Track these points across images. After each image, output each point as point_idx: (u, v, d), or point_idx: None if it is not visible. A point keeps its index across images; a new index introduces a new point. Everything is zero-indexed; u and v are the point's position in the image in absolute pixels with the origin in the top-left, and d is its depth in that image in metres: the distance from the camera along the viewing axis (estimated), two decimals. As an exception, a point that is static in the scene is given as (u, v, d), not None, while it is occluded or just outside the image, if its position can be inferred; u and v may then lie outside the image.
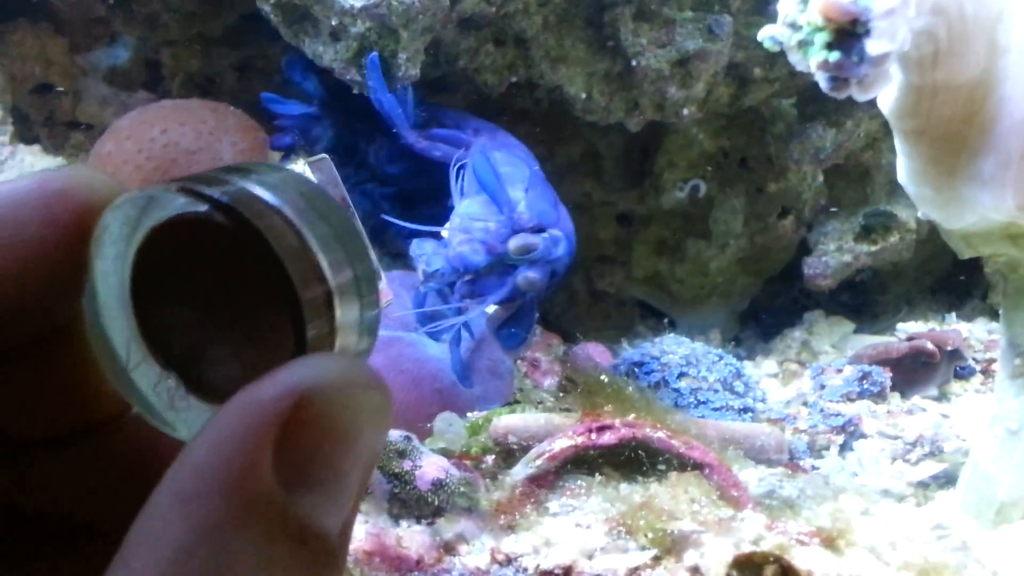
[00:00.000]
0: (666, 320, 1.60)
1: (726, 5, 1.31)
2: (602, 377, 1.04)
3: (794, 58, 0.80)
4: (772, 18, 1.35)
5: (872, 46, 0.75)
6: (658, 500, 0.91)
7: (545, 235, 1.15)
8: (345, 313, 0.26)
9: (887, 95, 0.86)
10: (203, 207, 0.24)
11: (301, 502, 0.23)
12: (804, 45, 0.79)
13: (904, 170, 0.88)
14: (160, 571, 0.22)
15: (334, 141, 1.34)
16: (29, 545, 0.28)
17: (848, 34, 0.76)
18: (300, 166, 0.30)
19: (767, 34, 0.81)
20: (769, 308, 1.72)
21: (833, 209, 1.57)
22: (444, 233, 1.14)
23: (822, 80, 0.79)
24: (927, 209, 0.89)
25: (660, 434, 0.95)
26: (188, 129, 1.24)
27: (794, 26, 0.80)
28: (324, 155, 0.32)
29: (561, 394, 1.26)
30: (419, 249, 1.12)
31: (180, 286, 0.26)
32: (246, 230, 0.24)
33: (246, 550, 0.22)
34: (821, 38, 0.77)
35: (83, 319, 0.27)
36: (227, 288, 0.25)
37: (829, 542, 0.84)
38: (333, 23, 1.13)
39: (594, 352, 1.36)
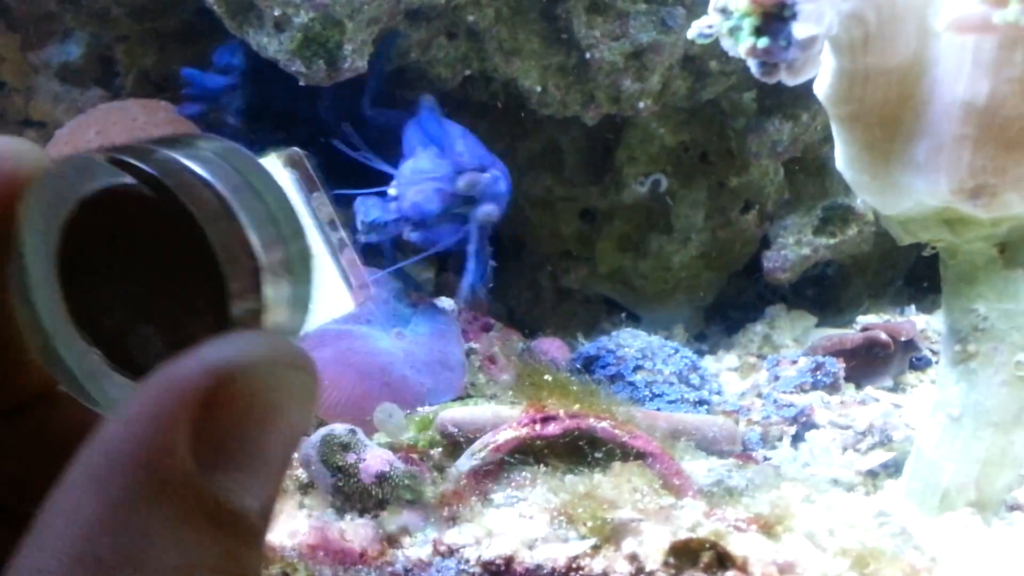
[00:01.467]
0: (623, 315, 1.59)
1: (679, -3, 1.31)
2: (544, 371, 1.03)
3: (726, 44, 0.80)
4: (726, 10, 1.35)
5: (798, 30, 0.75)
6: (601, 490, 0.91)
7: (487, 174, 1.26)
8: (274, 292, 0.25)
9: (821, 81, 0.86)
10: (129, 179, 0.24)
11: (219, 481, 0.23)
12: (735, 31, 0.79)
13: (841, 156, 0.88)
14: (71, 549, 0.21)
15: (246, 108, 1.36)
16: None
17: (776, 18, 0.76)
18: (271, 159, 0.30)
19: (696, 29, 0.80)
20: (734, 303, 1.72)
21: (785, 198, 1.57)
22: (391, 191, 1.21)
23: (753, 66, 0.79)
24: (864, 195, 0.89)
25: (604, 424, 0.95)
26: (120, 128, 1.25)
27: (725, 12, 0.79)
28: (297, 149, 0.32)
29: (513, 389, 1.26)
30: (363, 206, 1.18)
31: (108, 259, 0.25)
32: (174, 203, 0.24)
33: (159, 529, 0.22)
34: (749, 23, 0.77)
35: (8, 292, 0.26)
36: (154, 263, 0.25)
37: (767, 528, 0.84)
38: (276, 13, 1.13)
39: (551, 347, 1.35)
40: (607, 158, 1.59)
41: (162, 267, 0.25)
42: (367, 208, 1.22)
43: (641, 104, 1.35)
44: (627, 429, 0.95)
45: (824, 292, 1.69)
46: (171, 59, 1.47)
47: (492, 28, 1.30)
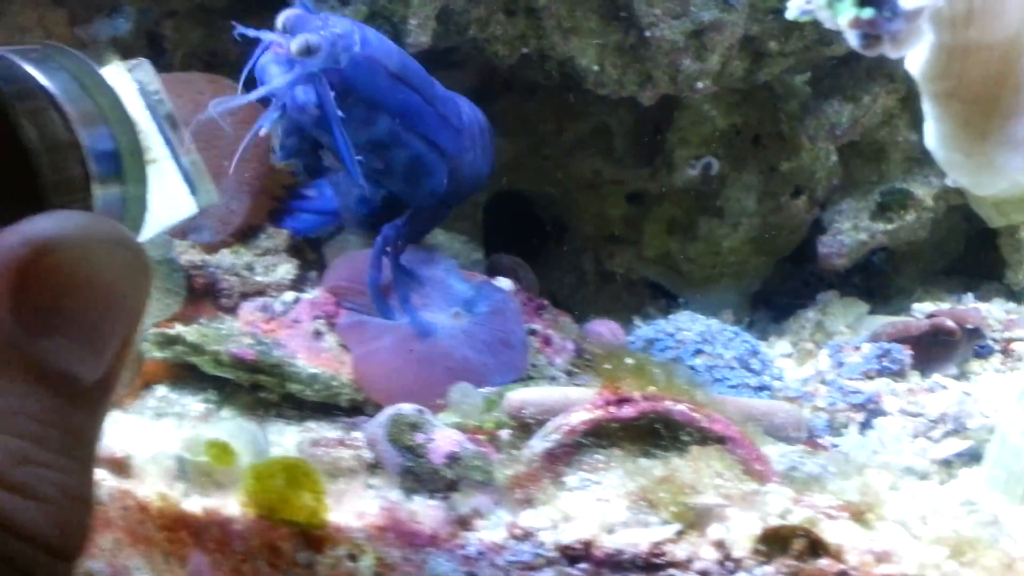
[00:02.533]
0: (680, 300, 1.57)
1: (742, -25, 1.29)
2: (624, 354, 1.01)
3: (823, 16, 0.78)
4: (789, -11, 1.33)
5: (906, 0, 0.73)
6: (680, 474, 0.89)
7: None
8: (102, 190, 0.27)
9: (917, 56, 0.84)
10: None
11: (44, 344, 0.24)
12: (834, 2, 0.77)
13: (933, 134, 0.86)
14: None
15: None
16: None
17: (882, -11, 0.74)
18: (115, 68, 0.31)
19: (795, 8, 0.78)
20: (781, 289, 1.70)
21: (836, 183, 1.54)
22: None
23: (853, 38, 0.77)
24: (957, 175, 0.86)
25: (681, 407, 0.93)
26: (186, 101, 1.22)
27: (824, -17, 0.77)
28: (143, 59, 0.33)
29: (575, 370, 1.24)
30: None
31: None
32: (9, 105, 0.25)
33: None
34: (853, -7, 0.74)
35: None
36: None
37: (858, 516, 0.82)
38: (343, -13, 1.11)
39: (606, 330, 1.33)
40: (656, 140, 1.57)
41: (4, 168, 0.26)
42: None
43: (700, 84, 1.33)
44: (705, 412, 0.93)
45: (872, 279, 1.67)
46: (218, 35, 1.45)
47: (551, 6, 1.28)
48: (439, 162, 1.20)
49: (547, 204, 1.73)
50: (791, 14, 0.78)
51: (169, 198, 0.32)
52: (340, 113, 1.04)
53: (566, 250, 1.74)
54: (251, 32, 1.04)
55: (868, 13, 0.73)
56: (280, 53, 1.05)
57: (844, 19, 0.75)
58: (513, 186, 1.61)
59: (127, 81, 0.32)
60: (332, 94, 1.04)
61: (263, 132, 1.05)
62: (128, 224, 0.28)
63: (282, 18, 1.05)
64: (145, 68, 0.33)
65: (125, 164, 0.28)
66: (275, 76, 1.04)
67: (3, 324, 0.24)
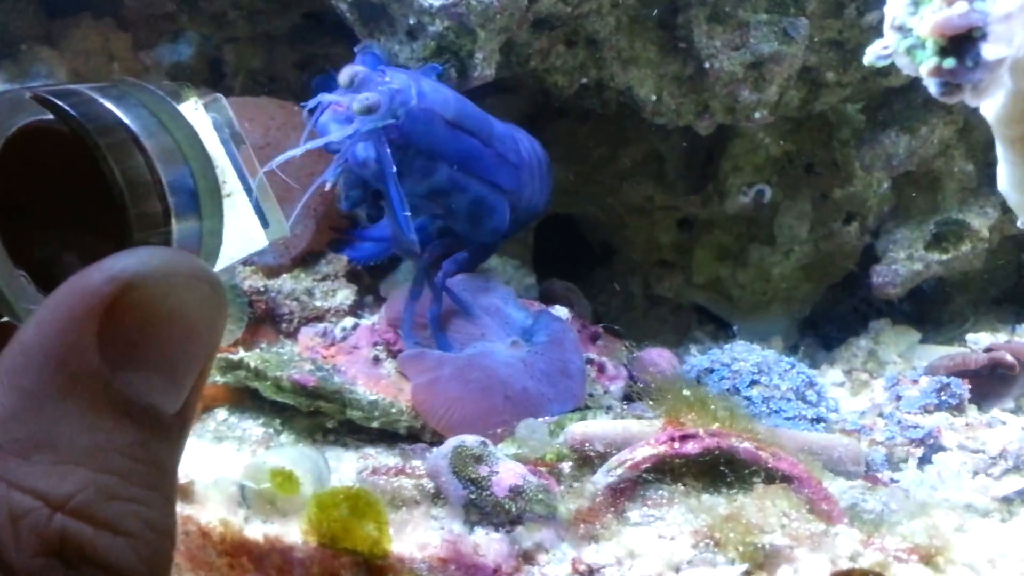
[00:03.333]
0: (734, 328, 1.57)
1: (801, 7, 1.29)
2: (682, 385, 1.01)
3: (901, 62, 0.78)
4: (848, 21, 1.33)
5: (989, 51, 0.73)
6: (746, 512, 0.89)
7: (386, 77, 1.08)
8: (180, 225, 0.28)
9: (993, 101, 0.84)
10: (48, 116, 0.26)
11: (127, 378, 0.25)
12: (914, 50, 0.77)
13: (1007, 178, 0.86)
14: None
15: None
16: None
17: (962, 38, 0.74)
18: (192, 104, 0.32)
19: (872, 54, 0.78)
20: (829, 316, 1.70)
21: (887, 210, 1.54)
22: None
23: (932, 86, 0.77)
24: (1030, 218, 0.86)
25: (747, 444, 0.93)
26: (256, 125, 1.24)
27: (903, 30, 0.77)
28: (218, 95, 0.34)
29: (629, 399, 1.24)
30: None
31: (36, 191, 0.28)
32: (82, 134, 0.26)
33: (70, 417, 0.25)
34: (933, 42, 0.74)
35: None
36: (77, 195, 0.27)
37: (927, 559, 0.82)
38: (411, 22, 1.12)
39: (658, 358, 1.33)
40: (708, 167, 1.57)
41: (82, 200, 0.27)
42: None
43: (757, 115, 1.33)
44: (771, 451, 0.93)
45: (922, 305, 1.67)
46: (278, 61, 1.47)
47: (612, 37, 1.28)
48: (500, 201, 1.22)
49: (596, 227, 1.74)
50: (869, 59, 0.78)
51: (242, 231, 0.33)
52: (397, 168, 1.07)
53: (614, 273, 1.75)
54: (313, 102, 1.06)
55: (950, 63, 0.73)
56: (340, 111, 1.07)
57: (925, 68, 0.75)
58: (564, 210, 1.62)
59: (203, 116, 0.32)
60: (389, 150, 1.06)
61: (327, 187, 1.07)
62: (204, 257, 0.29)
63: (344, 76, 1.07)
64: (220, 103, 0.34)
65: (203, 200, 0.29)
66: (333, 130, 1.06)
67: (91, 360, 0.25)
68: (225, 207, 0.31)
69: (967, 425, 1.17)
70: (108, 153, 0.26)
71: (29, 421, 0.24)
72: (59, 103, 0.26)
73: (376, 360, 1.20)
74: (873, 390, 1.32)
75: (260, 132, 1.23)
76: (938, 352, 1.43)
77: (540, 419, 1.12)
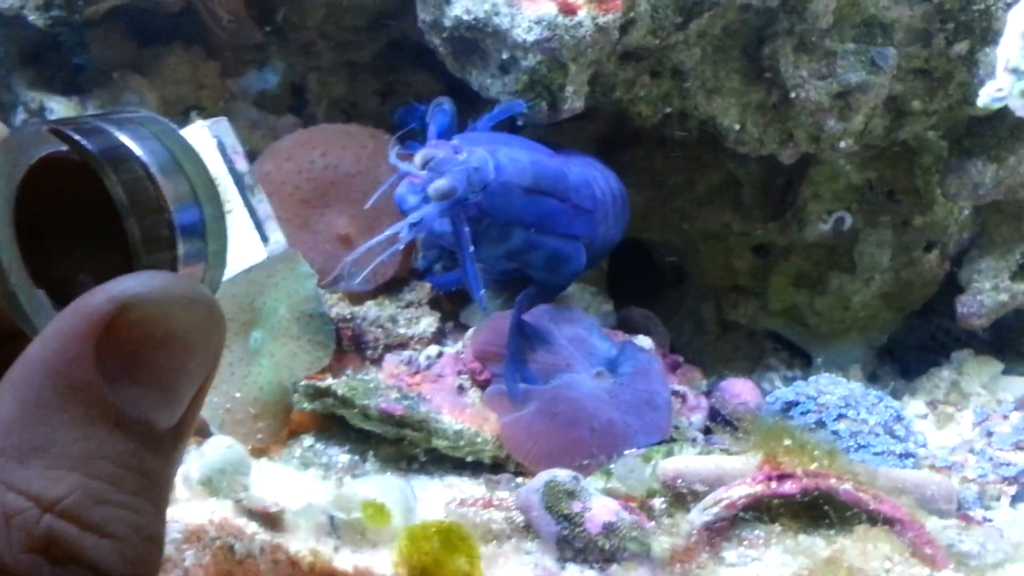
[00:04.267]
0: (819, 360, 1.55)
1: (889, 37, 1.28)
2: (781, 431, 1.00)
3: (1016, 104, 0.77)
4: (936, 50, 1.32)
5: (1110, 96, 0.72)
6: (847, 555, 0.88)
7: (460, 156, 1.10)
8: (186, 248, 0.30)
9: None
10: (64, 148, 0.29)
11: (123, 393, 0.27)
12: (1028, 92, 0.76)
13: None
14: None
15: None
16: None
17: (1083, 83, 0.73)
18: (197, 127, 0.36)
19: (987, 96, 0.77)
20: (907, 344, 1.68)
21: (967, 236, 1.52)
22: None
23: (1047, 128, 0.76)
24: None
25: (847, 486, 0.92)
26: (348, 152, 1.25)
27: (1017, 72, 0.77)
28: (222, 118, 0.37)
29: (707, 435, 1.23)
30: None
31: (55, 215, 0.30)
32: (96, 164, 0.28)
33: (66, 426, 0.26)
34: (1052, 87, 0.74)
35: None
36: (92, 221, 0.29)
37: (1037, 608, 0.81)
38: (504, 56, 1.13)
39: (742, 389, 1.33)
40: (786, 194, 1.56)
41: (96, 225, 0.29)
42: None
43: (842, 144, 1.32)
44: (872, 493, 0.92)
45: (1002, 335, 1.64)
46: (359, 88, 1.49)
47: (697, 67, 1.28)
48: (577, 248, 1.24)
49: (669, 252, 1.73)
50: (982, 101, 0.78)
51: (242, 245, 0.36)
52: (474, 236, 1.10)
53: (687, 298, 1.74)
54: (399, 165, 1.10)
55: (1069, 108, 0.72)
56: (416, 183, 1.09)
57: (1041, 112, 0.74)
58: (638, 235, 1.61)
59: (207, 137, 0.36)
60: (466, 228, 1.10)
61: (400, 247, 1.12)
62: (209, 277, 0.31)
63: (420, 159, 1.09)
64: (223, 125, 0.37)
65: (208, 226, 0.31)
66: (410, 202, 1.09)
67: (88, 373, 0.26)
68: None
69: (1061, 463, 1.15)
70: (119, 181, 0.29)
71: (27, 428, 0.26)
72: (77, 137, 0.29)
73: (460, 389, 1.21)
74: (959, 423, 1.30)
75: (352, 159, 1.25)
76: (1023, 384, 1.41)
77: (627, 452, 1.12)
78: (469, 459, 1.16)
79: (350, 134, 1.28)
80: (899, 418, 1.23)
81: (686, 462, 1.03)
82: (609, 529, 0.97)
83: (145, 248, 0.29)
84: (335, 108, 1.48)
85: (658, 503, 1.03)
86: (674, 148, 1.53)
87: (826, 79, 1.27)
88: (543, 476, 1.01)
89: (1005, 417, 1.22)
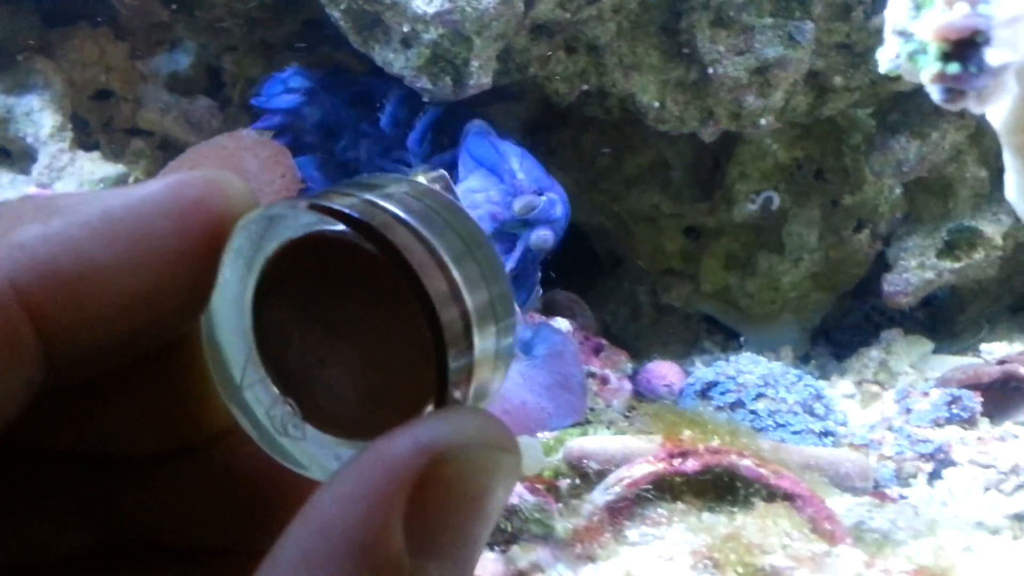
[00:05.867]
0: (742, 339, 1.54)
1: (807, 11, 1.26)
2: (672, 408, 0.99)
3: (905, 68, 0.75)
4: (856, 24, 1.30)
5: (993, 56, 0.70)
6: (746, 532, 0.86)
7: (544, 197, 1.17)
8: (483, 339, 0.23)
9: (999, 108, 0.81)
10: (337, 225, 0.23)
11: (427, 569, 0.21)
12: (915, 55, 0.74)
13: (1015, 186, 0.83)
14: None
15: (322, 120, 1.37)
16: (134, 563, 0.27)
17: (966, 43, 0.71)
18: (418, 180, 0.27)
19: (886, 62, 0.75)
20: (840, 325, 1.67)
21: (899, 217, 1.51)
22: None
23: (935, 93, 0.74)
24: (1039, 228, 0.83)
25: (747, 462, 0.91)
26: (211, 159, 1.25)
27: (904, 34, 0.75)
28: (442, 170, 0.29)
29: (632, 413, 1.22)
30: None
31: (304, 307, 0.24)
32: (378, 247, 0.22)
33: None
34: (936, 48, 0.72)
35: (198, 333, 0.25)
36: (353, 311, 0.23)
37: (933, 582, 0.79)
38: (405, 30, 1.10)
39: (667, 371, 1.31)
40: (715, 174, 1.54)
41: (359, 316, 0.23)
42: None
43: (763, 121, 1.30)
44: (772, 468, 0.91)
45: (935, 314, 1.63)
46: (277, 69, 1.45)
47: (613, 42, 1.26)
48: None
49: (602, 236, 1.71)
50: (884, 68, 0.76)
51: None
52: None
53: (621, 282, 1.72)
54: (494, 208, 1.18)
55: (954, 68, 0.71)
56: (497, 217, 1.16)
57: (927, 74, 0.72)
58: (572, 219, 1.59)
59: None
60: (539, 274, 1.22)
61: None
62: (499, 378, 0.25)
63: (522, 208, 1.16)
64: (445, 181, 0.29)
65: (496, 309, 0.24)
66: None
67: (396, 550, 0.21)
68: None
69: (979, 439, 1.14)
70: (415, 268, 0.22)
71: None
72: (353, 213, 0.23)
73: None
74: (884, 402, 1.28)
75: (216, 163, 1.24)
76: (951, 363, 1.40)
77: (540, 434, 1.10)
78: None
79: (212, 144, 1.31)
80: (819, 397, 1.22)
81: (592, 442, 1.01)
82: (511, 511, 0.95)
83: (444, 351, 0.23)
84: (252, 91, 1.44)
85: (564, 484, 1.00)
86: (601, 129, 1.51)
87: (744, 54, 1.25)
88: (446, 458, 0.99)
89: (925, 395, 1.20)
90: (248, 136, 1.33)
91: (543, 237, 1.16)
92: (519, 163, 1.20)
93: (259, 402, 0.24)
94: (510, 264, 1.16)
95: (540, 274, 1.29)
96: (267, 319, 0.24)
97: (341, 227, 0.22)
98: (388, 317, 0.23)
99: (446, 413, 0.22)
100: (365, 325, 0.23)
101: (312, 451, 0.24)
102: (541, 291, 1.39)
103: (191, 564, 0.27)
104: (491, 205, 1.16)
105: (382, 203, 0.23)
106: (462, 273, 0.23)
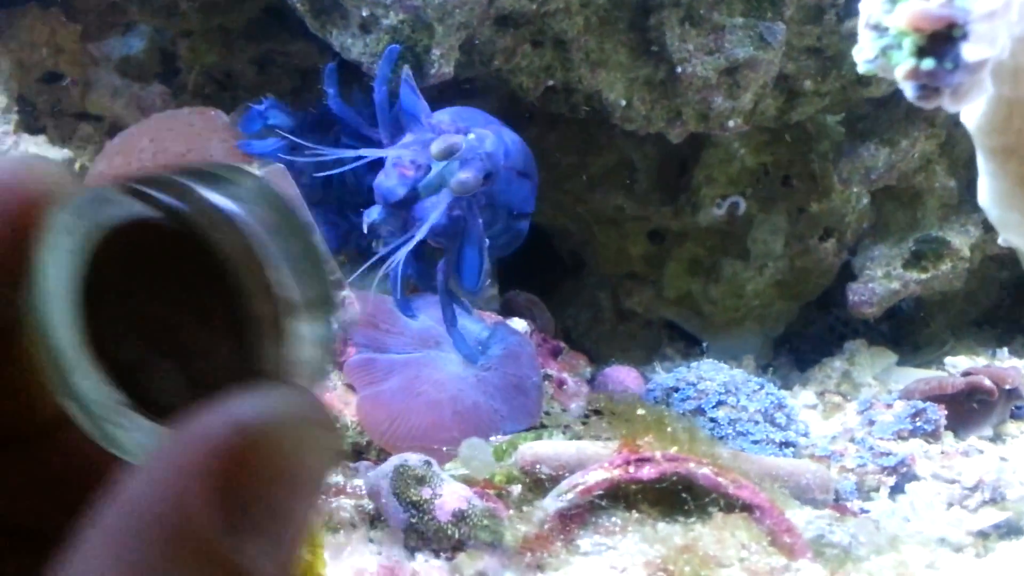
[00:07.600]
0: (704, 345, 1.51)
1: (779, 12, 1.23)
2: (638, 406, 0.96)
3: (879, 64, 0.72)
4: (827, 27, 1.28)
5: (969, 51, 0.67)
6: (702, 543, 0.83)
7: (471, 136, 1.05)
8: (300, 332, 0.24)
9: (973, 109, 0.78)
10: (155, 213, 0.23)
11: (242, 546, 0.21)
12: (889, 50, 0.71)
13: (988, 191, 0.80)
14: None
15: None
16: None
17: (942, 38, 0.68)
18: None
19: (863, 62, 0.72)
20: (804, 335, 1.64)
21: (866, 226, 1.49)
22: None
23: (909, 89, 0.71)
24: (1012, 235, 0.81)
25: (706, 470, 0.87)
26: (176, 133, 1.19)
27: (878, 29, 0.72)
28: (279, 164, 0.29)
29: (590, 418, 1.18)
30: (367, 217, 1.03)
31: (130, 294, 0.24)
32: (199, 240, 0.23)
33: None
34: (911, 42, 0.69)
35: (22, 321, 0.24)
36: (178, 299, 0.24)
37: (895, 600, 0.76)
38: (364, 14, 1.06)
39: (625, 376, 1.28)
40: (681, 177, 1.52)
41: (184, 305, 0.24)
42: (368, 213, 1.03)
43: (731, 123, 1.27)
44: (731, 477, 0.87)
45: (901, 326, 1.61)
46: (235, 57, 1.41)
47: (580, 37, 1.22)
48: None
49: (564, 238, 1.68)
50: (861, 68, 0.73)
51: None
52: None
53: (583, 286, 1.69)
54: (389, 153, 1.03)
55: (928, 64, 0.68)
56: (408, 176, 1.02)
57: (901, 69, 0.69)
58: (534, 220, 1.56)
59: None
60: (480, 220, 1.06)
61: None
62: (321, 365, 0.25)
63: (441, 150, 1.01)
64: (281, 173, 0.30)
65: (320, 303, 0.25)
66: (399, 194, 1.01)
67: (208, 527, 0.21)
68: None
69: (942, 453, 1.11)
70: (230, 254, 0.23)
71: None
72: (172, 201, 0.24)
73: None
74: (846, 413, 1.26)
75: (181, 140, 1.19)
76: (915, 375, 1.38)
77: (492, 437, 1.06)
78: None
79: (176, 116, 1.23)
80: (781, 406, 1.19)
81: (545, 447, 0.98)
82: (459, 517, 0.91)
83: (261, 330, 0.23)
84: (208, 77, 1.40)
85: (516, 490, 0.97)
86: (567, 127, 1.48)
87: (713, 54, 1.22)
88: (394, 460, 0.95)
89: (888, 406, 1.18)
90: (219, 118, 1.27)
91: (462, 181, 1.00)
92: (444, 111, 1.09)
93: (87, 389, 0.24)
94: (432, 220, 1.01)
95: (487, 260, 1.15)
96: (93, 304, 0.24)
97: (158, 214, 0.23)
98: (207, 305, 0.24)
99: (260, 391, 0.22)
100: (186, 313, 0.24)
101: (142, 440, 0.24)
102: (494, 284, 1.34)
103: (30, 550, 0.27)
104: (399, 169, 1.02)
105: (202, 191, 0.23)
106: (278, 261, 0.23)
